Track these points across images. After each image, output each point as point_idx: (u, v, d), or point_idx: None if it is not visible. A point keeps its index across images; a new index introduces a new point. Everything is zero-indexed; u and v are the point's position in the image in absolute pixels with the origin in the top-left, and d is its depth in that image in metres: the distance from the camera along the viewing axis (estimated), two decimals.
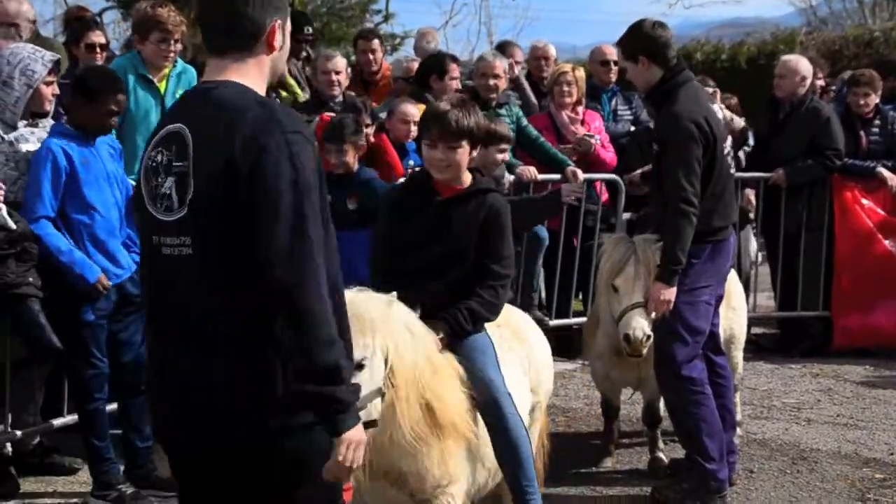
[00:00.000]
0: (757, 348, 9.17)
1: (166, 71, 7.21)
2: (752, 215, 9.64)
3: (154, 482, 6.05)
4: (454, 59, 8.72)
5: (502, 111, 8.65)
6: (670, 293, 5.86)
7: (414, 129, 7.80)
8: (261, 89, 3.16)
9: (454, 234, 4.76)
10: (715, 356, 6.24)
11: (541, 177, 8.58)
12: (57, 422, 6.37)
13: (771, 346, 9.50)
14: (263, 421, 3.00)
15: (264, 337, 2.96)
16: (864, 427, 7.43)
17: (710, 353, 6.19)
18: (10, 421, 6.02)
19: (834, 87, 10.93)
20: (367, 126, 7.80)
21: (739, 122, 9.64)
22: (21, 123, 5.95)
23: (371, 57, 9.90)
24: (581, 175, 8.45)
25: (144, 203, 3.11)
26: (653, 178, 6.33)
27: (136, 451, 6.10)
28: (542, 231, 8.74)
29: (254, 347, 2.99)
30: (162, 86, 7.19)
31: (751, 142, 9.98)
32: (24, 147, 5.89)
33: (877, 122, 9.19)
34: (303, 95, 9.40)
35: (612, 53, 9.46)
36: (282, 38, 3.20)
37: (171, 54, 7.17)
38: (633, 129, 9.59)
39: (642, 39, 5.98)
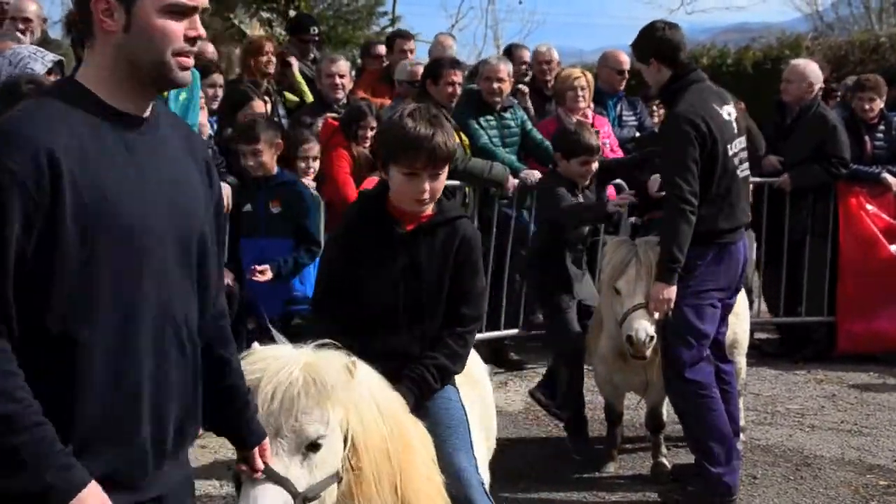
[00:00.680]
0: (760, 354, 9.12)
1: None
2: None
3: None
4: (456, 63, 8.68)
5: (507, 115, 8.65)
6: (670, 292, 5.87)
7: None
8: (109, 84, 2.57)
9: (424, 279, 3.97)
10: (721, 363, 6.23)
11: None
12: None
13: (774, 351, 9.46)
14: None
15: None
16: (868, 433, 7.40)
17: (716, 360, 6.18)
18: None
19: (839, 92, 10.90)
20: (372, 129, 7.80)
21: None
22: None
23: (410, 57, 10.13)
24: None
25: None
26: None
27: None
28: None
29: None
30: None
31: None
32: None
33: (881, 127, 9.19)
34: (311, 97, 9.44)
35: (627, 63, 9.58)
36: (123, 14, 2.53)
37: None
38: (637, 134, 9.59)
39: (654, 42, 6.02)
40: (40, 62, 5.93)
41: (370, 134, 7.79)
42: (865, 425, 7.58)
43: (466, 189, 8.37)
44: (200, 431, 2.97)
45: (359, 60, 12.40)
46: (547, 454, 6.97)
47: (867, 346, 9.06)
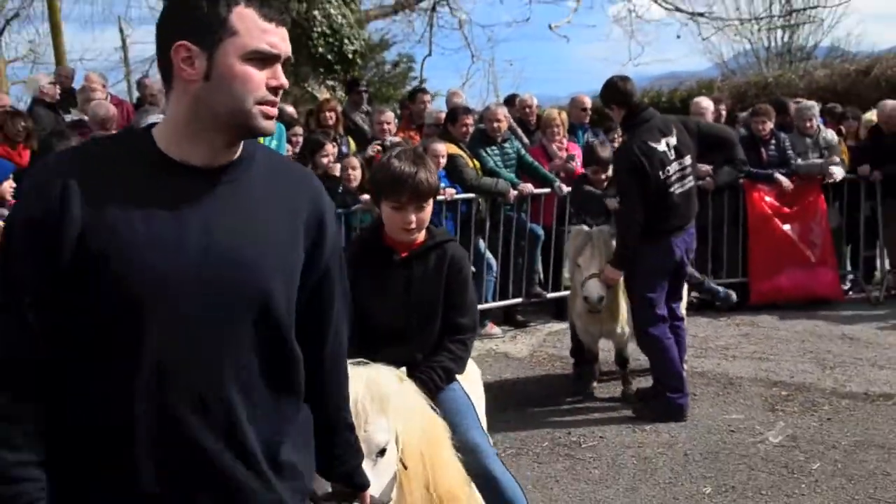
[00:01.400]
0: (696, 307, 9.09)
1: None
2: None
3: None
4: (468, 110, 8.72)
5: (506, 145, 8.64)
6: (618, 274, 5.98)
7: (442, 162, 7.82)
8: (185, 127, 1.85)
9: (420, 299, 3.44)
10: (674, 321, 6.23)
11: (536, 191, 8.58)
12: None
13: (705, 304, 9.41)
14: None
15: None
16: (772, 359, 7.38)
17: (671, 319, 6.17)
18: None
19: (741, 117, 10.81)
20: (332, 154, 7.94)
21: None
22: None
23: (429, 107, 10.10)
24: (565, 188, 8.45)
25: None
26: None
27: None
28: (538, 229, 8.73)
29: None
30: None
31: None
32: None
33: (772, 142, 9.13)
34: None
35: (587, 102, 9.76)
36: (203, 62, 1.80)
37: None
38: None
39: (612, 92, 5.97)
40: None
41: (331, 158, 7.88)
42: (771, 354, 7.55)
43: (480, 200, 8.37)
44: None
45: (398, 111, 12.40)
46: (545, 386, 6.98)
47: (771, 298, 9.04)
